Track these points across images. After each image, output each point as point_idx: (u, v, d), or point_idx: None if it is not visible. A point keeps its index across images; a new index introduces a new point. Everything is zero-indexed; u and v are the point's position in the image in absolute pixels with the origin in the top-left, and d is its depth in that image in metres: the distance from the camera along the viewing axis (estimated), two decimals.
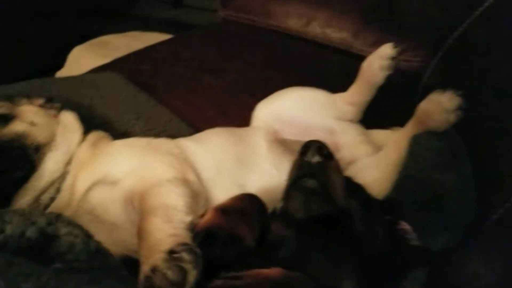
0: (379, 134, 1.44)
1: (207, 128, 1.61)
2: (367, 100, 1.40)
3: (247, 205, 0.95)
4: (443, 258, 1.09)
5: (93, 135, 1.21)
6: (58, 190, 1.08)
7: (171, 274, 0.71)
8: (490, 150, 1.19)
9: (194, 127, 1.58)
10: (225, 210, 0.91)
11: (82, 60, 2.52)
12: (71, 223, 0.64)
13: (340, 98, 1.41)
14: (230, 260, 0.82)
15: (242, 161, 1.20)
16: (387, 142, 1.28)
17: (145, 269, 0.74)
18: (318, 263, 0.86)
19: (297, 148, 1.29)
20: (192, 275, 0.72)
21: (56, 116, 1.21)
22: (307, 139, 1.34)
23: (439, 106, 1.13)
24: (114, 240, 0.98)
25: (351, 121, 1.41)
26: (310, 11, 2.46)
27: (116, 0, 4.29)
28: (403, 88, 1.83)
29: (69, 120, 1.21)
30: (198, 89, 1.78)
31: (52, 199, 1.08)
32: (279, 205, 1.04)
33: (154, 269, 0.72)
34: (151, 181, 1.02)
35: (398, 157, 1.18)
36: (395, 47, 1.34)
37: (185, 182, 1.03)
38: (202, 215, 0.92)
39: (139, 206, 0.98)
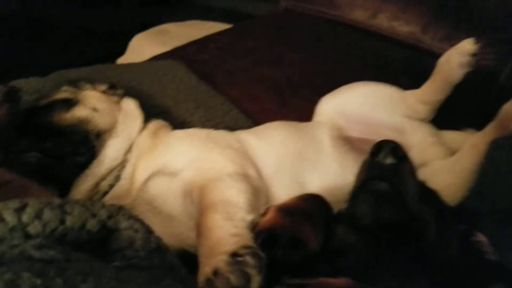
0: (451, 136, 1.34)
1: (265, 121, 1.56)
2: (441, 98, 1.30)
3: (311, 206, 0.88)
4: None
5: (153, 124, 1.19)
6: (117, 178, 1.07)
7: (234, 279, 0.66)
8: None
9: (252, 119, 1.53)
10: (288, 210, 0.85)
11: (142, 47, 2.54)
12: (132, 216, 0.60)
13: (412, 95, 1.32)
14: (293, 264, 0.77)
15: (304, 157, 1.14)
16: (463, 145, 1.18)
17: (206, 270, 0.70)
18: (388, 275, 0.79)
19: (363, 146, 1.22)
20: (256, 281, 0.67)
21: (118, 102, 1.20)
22: (373, 137, 1.27)
23: None
24: (171, 232, 0.95)
25: (422, 120, 1.31)
26: (377, 2, 2.36)
27: None
28: (477, 87, 1.70)
29: (131, 107, 1.19)
30: (258, 80, 1.73)
31: (111, 186, 1.06)
32: (342, 206, 0.99)
33: (216, 272, 0.68)
34: (211, 174, 0.98)
35: (475, 162, 1.09)
36: (476, 43, 1.23)
37: (245, 177, 0.99)
38: (263, 214, 0.87)
39: (198, 200, 0.94)
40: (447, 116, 1.37)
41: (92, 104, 1.12)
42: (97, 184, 1.04)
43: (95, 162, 1.05)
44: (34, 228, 0.52)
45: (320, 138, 1.21)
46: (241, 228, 0.81)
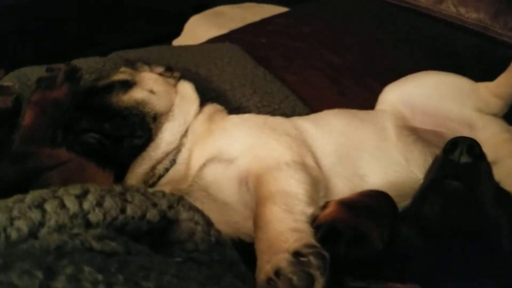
0: None
1: (323, 109, 1.50)
2: None
3: (376, 202, 0.83)
4: None
5: (209, 108, 1.16)
6: (173, 162, 1.05)
7: (297, 280, 0.62)
8: None
9: (309, 106, 1.48)
10: (350, 205, 0.80)
11: (198, 29, 2.53)
12: (192, 207, 0.58)
13: (485, 88, 1.22)
14: (355, 263, 0.72)
15: (365, 148, 1.07)
16: None
17: (267, 269, 0.66)
18: (455, 283, 0.73)
19: (431, 138, 1.15)
20: (320, 283, 0.63)
21: (174, 85, 1.18)
22: (441, 129, 1.19)
23: None
24: (227, 220, 0.93)
25: (494, 115, 1.21)
26: None
27: None
28: None
29: (187, 91, 1.17)
30: (317, 66, 1.67)
31: (167, 170, 1.05)
32: (406, 202, 0.92)
33: (277, 272, 0.64)
34: (268, 162, 0.94)
35: None
36: None
37: (304, 167, 0.94)
38: (323, 207, 0.83)
39: (254, 188, 0.91)
40: None
41: (149, 86, 1.11)
42: (153, 168, 1.03)
43: (152, 145, 1.04)
44: (95, 216, 0.50)
45: (384, 126, 1.15)
46: (302, 222, 0.77)
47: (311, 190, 0.87)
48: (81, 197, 0.51)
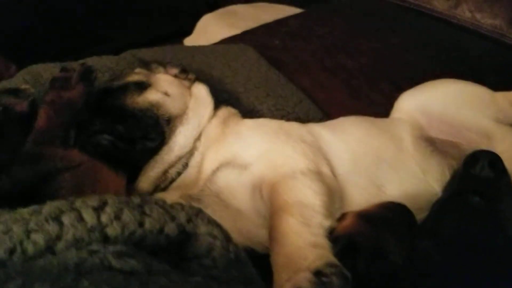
0: None
1: (336, 113, 1.49)
2: None
3: (395, 215, 0.81)
4: None
5: (223, 111, 1.15)
6: (185, 166, 1.04)
7: None
8: None
9: (322, 110, 1.46)
10: (368, 217, 0.78)
11: (210, 28, 2.51)
12: (211, 221, 0.56)
13: (503, 98, 1.20)
14: (374, 279, 0.70)
15: (382, 158, 1.05)
16: None
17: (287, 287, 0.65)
18: None
19: (448, 149, 1.12)
20: None
21: (189, 87, 1.16)
22: (458, 140, 1.17)
23: None
24: (239, 228, 0.91)
25: None
26: None
27: None
28: None
29: (202, 93, 1.15)
30: (331, 70, 1.65)
31: (179, 174, 1.04)
32: (422, 215, 0.91)
33: None
34: (283, 170, 0.93)
35: None
36: None
37: (319, 175, 0.92)
38: (340, 219, 0.81)
39: (269, 197, 0.89)
40: None
41: (164, 88, 1.09)
42: (165, 171, 1.02)
43: (165, 149, 1.02)
44: (113, 230, 0.49)
45: (401, 136, 1.12)
46: (320, 237, 0.75)
47: (328, 201, 0.85)
48: (99, 209, 0.50)
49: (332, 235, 0.77)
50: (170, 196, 0.99)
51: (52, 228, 0.47)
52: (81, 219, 0.48)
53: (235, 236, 0.71)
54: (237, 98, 1.38)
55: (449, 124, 1.18)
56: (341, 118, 1.20)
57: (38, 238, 0.45)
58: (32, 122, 0.85)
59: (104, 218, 0.49)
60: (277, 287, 0.68)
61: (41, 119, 0.92)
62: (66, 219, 0.48)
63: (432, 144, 1.12)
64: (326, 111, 1.46)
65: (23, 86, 0.81)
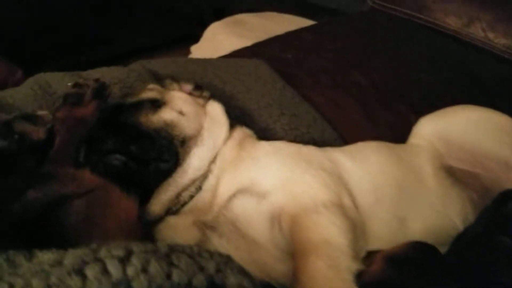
0: None
1: (349, 132, 1.46)
2: None
3: (423, 257, 0.77)
4: None
5: (238, 132, 1.10)
6: (198, 189, 0.99)
7: None
8: None
9: (337, 130, 1.42)
10: (397, 260, 0.74)
11: (218, 36, 2.47)
12: (240, 270, 0.52)
13: None
14: None
15: (403, 188, 1.01)
16: None
17: None
18: None
19: (468, 180, 1.09)
20: None
21: (203, 106, 1.12)
22: (477, 170, 1.13)
23: None
24: (255, 260, 0.87)
25: None
26: (473, 10, 2.20)
27: None
28: None
29: (217, 113, 1.11)
30: (344, 87, 1.61)
31: (191, 197, 0.99)
32: (442, 249, 0.87)
33: None
34: (304, 202, 0.88)
35: None
36: None
37: (342, 209, 0.88)
38: (366, 260, 0.77)
39: (289, 230, 0.85)
40: None
41: (179, 107, 1.05)
42: (178, 194, 0.98)
43: (179, 171, 0.98)
44: (139, 283, 0.45)
45: (421, 166, 1.08)
46: (349, 283, 0.71)
47: (353, 239, 0.81)
48: (124, 260, 0.46)
49: (361, 281, 0.73)
50: (183, 221, 0.95)
51: (75, 283, 0.43)
52: (105, 271, 0.44)
53: (251, 268, 0.67)
54: (249, 114, 1.34)
55: (469, 152, 1.15)
56: (360, 144, 1.16)
57: None
58: (48, 150, 0.81)
59: (130, 271, 0.45)
60: None
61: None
62: (89, 272, 0.44)
63: (452, 175, 1.08)
64: (340, 131, 1.42)
65: (40, 112, 0.77)
